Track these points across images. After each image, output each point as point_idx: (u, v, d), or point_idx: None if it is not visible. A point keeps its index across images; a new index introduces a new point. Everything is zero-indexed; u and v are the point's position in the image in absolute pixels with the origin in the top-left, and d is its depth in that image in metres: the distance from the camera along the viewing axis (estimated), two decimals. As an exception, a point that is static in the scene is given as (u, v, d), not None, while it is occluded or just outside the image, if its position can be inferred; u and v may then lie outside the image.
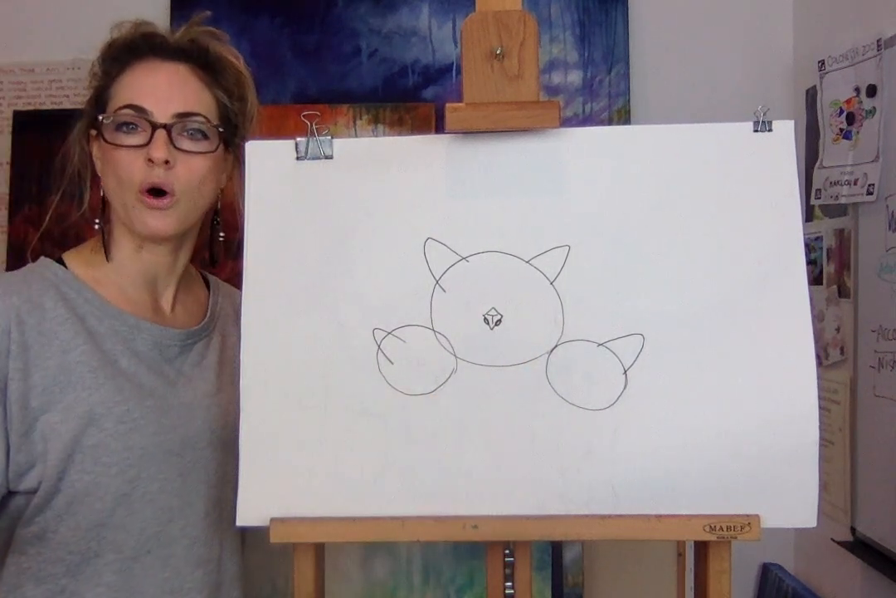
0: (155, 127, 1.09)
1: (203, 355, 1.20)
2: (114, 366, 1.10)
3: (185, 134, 1.11)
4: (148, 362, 1.14)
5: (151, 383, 1.13)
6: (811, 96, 1.68)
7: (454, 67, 1.77)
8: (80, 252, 1.17)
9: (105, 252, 1.14)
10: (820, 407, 1.07)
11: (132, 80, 1.11)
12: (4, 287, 1.09)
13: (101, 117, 1.10)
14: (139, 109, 1.09)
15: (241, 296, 1.10)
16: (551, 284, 1.09)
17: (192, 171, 1.11)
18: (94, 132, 1.13)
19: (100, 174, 1.14)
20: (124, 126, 1.10)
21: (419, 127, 1.71)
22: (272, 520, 1.07)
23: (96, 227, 1.14)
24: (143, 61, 1.13)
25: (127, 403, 1.09)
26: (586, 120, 1.76)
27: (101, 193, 1.14)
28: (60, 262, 1.15)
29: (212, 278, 1.31)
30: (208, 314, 1.24)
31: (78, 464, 1.06)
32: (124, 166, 1.09)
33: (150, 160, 1.08)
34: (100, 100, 1.14)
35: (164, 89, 1.11)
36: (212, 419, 1.17)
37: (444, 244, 1.11)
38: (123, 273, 1.16)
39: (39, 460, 1.05)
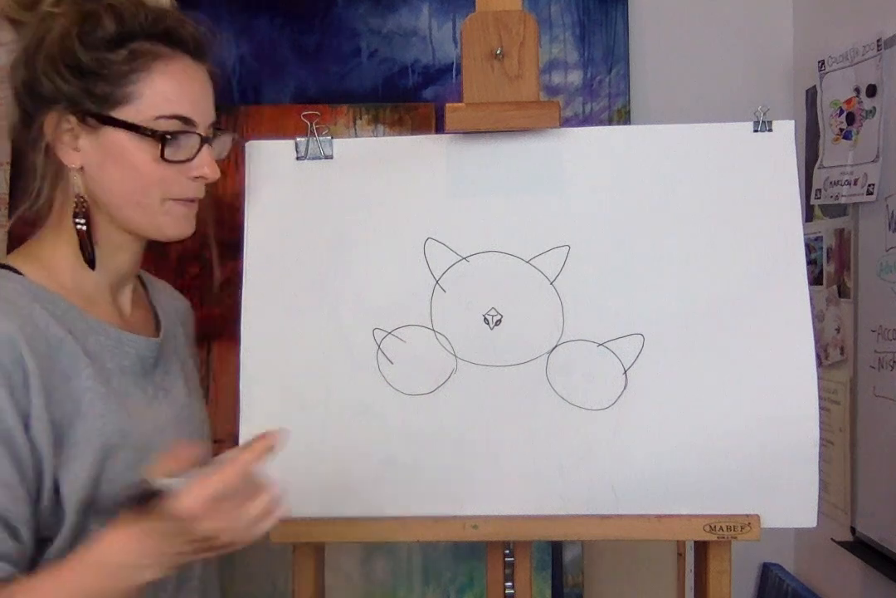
0: (203, 141, 0.99)
1: (169, 361, 1.08)
2: (115, 388, 0.98)
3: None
4: (133, 378, 1.02)
5: (144, 402, 1.02)
6: (811, 96, 1.68)
7: (454, 67, 1.77)
8: (34, 256, 1.00)
9: (91, 257, 0.98)
10: (820, 407, 1.07)
11: (173, 83, 0.98)
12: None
13: (134, 122, 0.96)
14: (187, 121, 0.98)
15: (168, 289, 1.14)
16: (551, 284, 1.09)
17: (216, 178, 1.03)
18: (72, 119, 0.96)
19: (78, 168, 0.98)
20: (167, 136, 0.97)
21: (419, 127, 1.71)
22: (272, 520, 1.07)
23: (79, 227, 0.98)
24: (178, 59, 0.99)
25: (137, 427, 0.98)
26: (586, 120, 1.75)
27: (77, 191, 0.98)
28: (9, 269, 0.98)
29: (142, 272, 1.14)
30: (159, 313, 1.11)
31: (99, 511, 0.93)
32: (165, 181, 0.98)
33: (198, 177, 0.99)
34: (111, 91, 0.96)
35: (203, 97, 1.01)
36: (192, 432, 1.06)
37: (444, 244, 1.11)
38: (87, 276, 1.00)
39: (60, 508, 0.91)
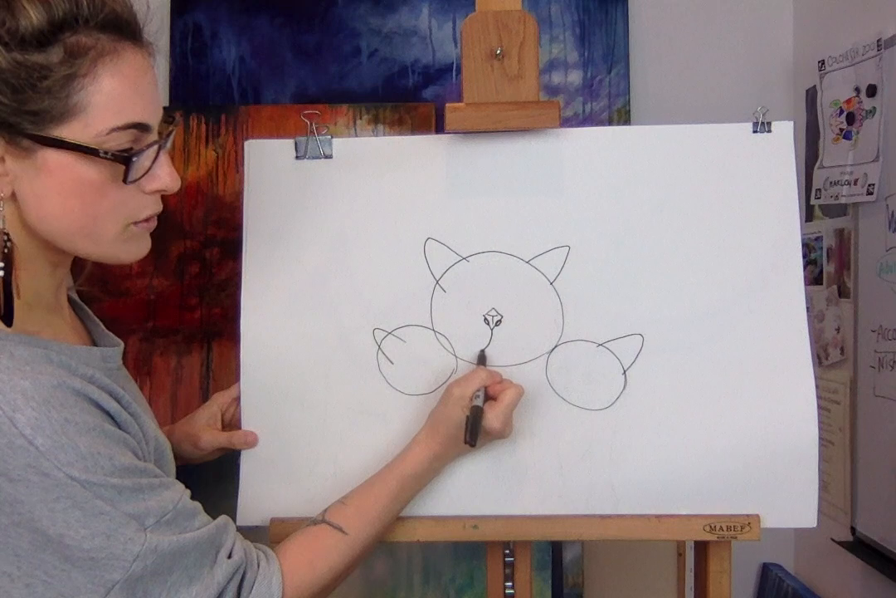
0: (160, 148, 0.84)
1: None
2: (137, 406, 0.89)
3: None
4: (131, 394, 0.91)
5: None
6: (811, 96, 1.68)
7: (454, 67, 1.76)
8: None
9: (8, 313, 0.79)
10: (820, 407, 1.07)
11: (125, 86, 0.80)
12: (39, 366, 0.79)
13: (84, 143, 0.78)
14: (143, 128, 0.82)
15: None
16: (551, 284, 1.09)
17: None
18: None
19: (7, 196, 0.80)
20: (132, 158, 0.81)
21: (419, 127, 1.70)
22: (272, 520, 1.07)
23: None
24: (124, 51, 0.80)
25: (155, 431, 0.91)
26: (586, 120, 1.75)
27: (1, 226, 0.80)
28: None
29: None
30: (86, 313, 1.00)
31: None
32: (123, 204, 0.83)
33: (157, 190, 0.85)
34: (49, 105, 0.77)
35: (155, 92, 0.84)
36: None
37: (444, 244, 1.11)
38: (38, 305, 0.87)
39: None
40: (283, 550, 0.92)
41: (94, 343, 0.96)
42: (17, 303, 0.80)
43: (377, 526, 0.98)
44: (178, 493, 0.84)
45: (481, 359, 1.08)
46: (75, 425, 0.76)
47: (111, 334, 0.98)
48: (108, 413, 0.82)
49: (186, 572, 0.81)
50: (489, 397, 1.03)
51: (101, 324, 0.98)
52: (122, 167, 0.80)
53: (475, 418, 0.99)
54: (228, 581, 0.84)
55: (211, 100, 1.75)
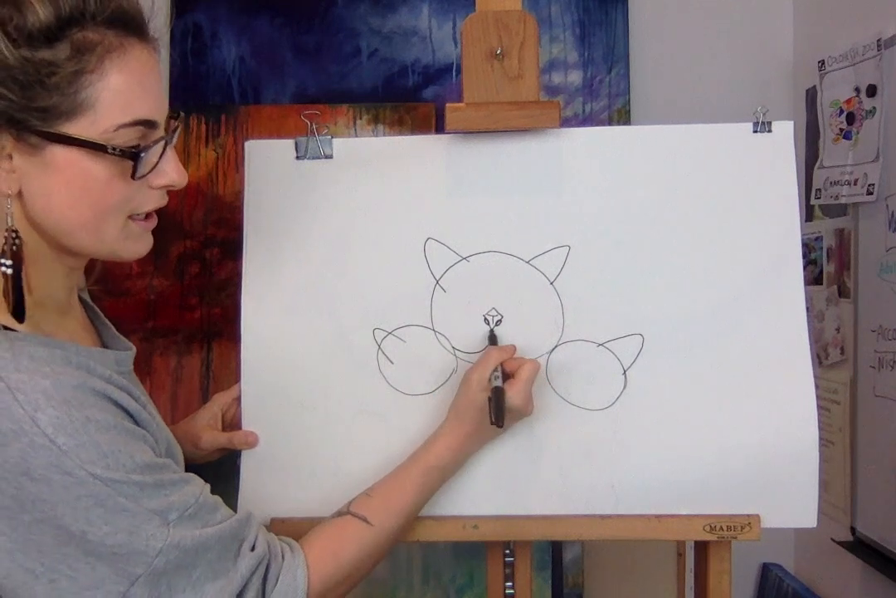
0: (166, 144, 0.84)
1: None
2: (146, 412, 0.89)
3: None
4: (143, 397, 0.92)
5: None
6: (811, 96, 1.68)
7: (454, 67, 1.76)
8: None
9: (20, 310, 0.79)
10: (820, 407, 1.07)
11: (132, 83, 0.80)
12: (58, 366, 0.79)
13: (92, 139, 0.79)
14: (150, 124, 0.82)
15: None
16: (551, 284, 1.09)
17: None
18: (5, 137, 0.78)
19: (14, 194, 0.80)
20: (141, 153, 0.81)
21: (419, 127, 1.70)
22: (272, 520, 1.07)
23: (4, 270, 0.79)
24: (131, 47, 0.80)
25: (165, 433, 0.92)
26: (586, 120, 1.75)
27: (10, 223, 0.80)
28: None
29: None
30: (96, 315, 1.00)
31: None
32: (128, 199, 0.83)
33: (164, 185, 0.85)
34: (57, 102, 0.77)
35: (160, 88, 0.84)
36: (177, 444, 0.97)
37: (444, 244, 1.11)
38: (52, 306, 0.87)
39: None
40: (308, 541, 0.92)
41: (104, 345, 0.96)
42: (30, 303, 0.80)
43: (402, 518, 0.98)
44: (199, 487, 0.84)
45: (492, 339, 1.07)
46: (96, 423, 0.76)
47: (122, 337, 0.98)
48: (126, 411, 0.82)
49: (210, 566, 0.81)
50: (507, 375, 1.02)
51: (112, 327, 0.99)
52: (130, 163, 0.81)
53: (497, 399, 0.98)
54: (252, 574, 0.84)
55: (211, 100, 1.75)
